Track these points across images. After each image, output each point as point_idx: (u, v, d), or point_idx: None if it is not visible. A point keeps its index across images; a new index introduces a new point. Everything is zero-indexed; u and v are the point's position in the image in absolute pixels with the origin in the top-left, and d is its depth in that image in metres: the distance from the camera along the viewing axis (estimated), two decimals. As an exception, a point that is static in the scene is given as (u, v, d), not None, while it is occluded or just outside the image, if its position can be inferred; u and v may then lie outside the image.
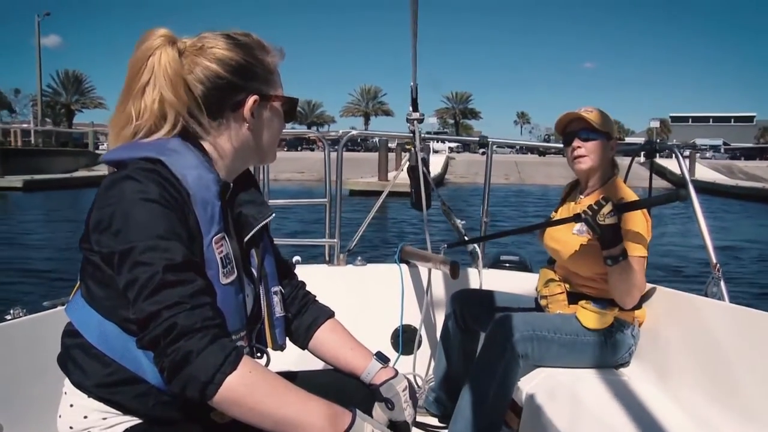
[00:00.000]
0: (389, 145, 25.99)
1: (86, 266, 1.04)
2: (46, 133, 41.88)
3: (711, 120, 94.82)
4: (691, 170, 32.17)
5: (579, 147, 2.02)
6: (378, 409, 1.23)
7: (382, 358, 1.29)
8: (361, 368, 1.27)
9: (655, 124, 65.83)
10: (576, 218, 1.87)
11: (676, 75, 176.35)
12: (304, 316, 1.33)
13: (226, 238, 1.06)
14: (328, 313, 1.34)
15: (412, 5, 2.19)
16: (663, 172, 36.52)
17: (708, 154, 55.31)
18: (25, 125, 45.28)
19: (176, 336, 0.89)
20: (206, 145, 1.09)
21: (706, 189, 29.02)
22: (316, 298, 1.38)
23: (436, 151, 38.13)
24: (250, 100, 1.09)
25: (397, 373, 1.28)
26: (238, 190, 1.16)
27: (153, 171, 0.98)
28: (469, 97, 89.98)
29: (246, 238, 1.15)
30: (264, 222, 1.17)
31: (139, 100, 1.05)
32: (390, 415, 1.23)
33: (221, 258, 1.03)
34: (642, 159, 2.56)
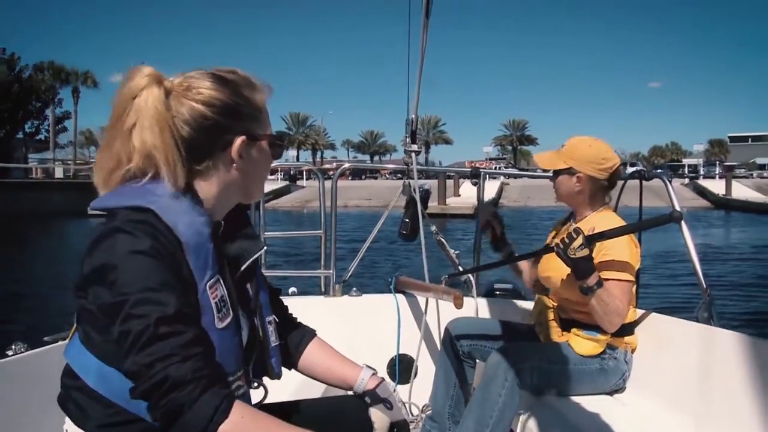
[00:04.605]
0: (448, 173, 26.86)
1: (82, 312, 1.03)
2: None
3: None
4: (728, 190, 36.44)
5: (553, 183, 2.16)
6: (378, 412, 1.26)
7: (369, 367, 1.34)
8: (354, 377, 1.31)
9: (699, 147, 65.84)
10: (548, 250, 1.93)
11: (740, 92, 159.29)
12: (291, 336, 1.36)
13: (221, 281, 1.06)
14: (311, 333, 1.39)
15: (422, 44, 2.23)
16: (704, 192, 39.00)
17: (766, 174, 57.96)
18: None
19: (168, 389, 0.89)
20: (194, 186, 1.07)
21: (738, 206, 32.85)
22: (298, 319, 1.41)
23: (492, 178, 38.75)
24: (238, 141, 1.07)
25: (383, 379, 1.32)
26: (230, 225, 1.16)
27: (144, 222, 0.97)
28: (525, 124, 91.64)
29: (240, 271, 1.15)
30: (255, 256, 1.18)
31: (127, 143, 1.02)
32: (390, 416, 1.26)
33: (216, 303, 1.03)
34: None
